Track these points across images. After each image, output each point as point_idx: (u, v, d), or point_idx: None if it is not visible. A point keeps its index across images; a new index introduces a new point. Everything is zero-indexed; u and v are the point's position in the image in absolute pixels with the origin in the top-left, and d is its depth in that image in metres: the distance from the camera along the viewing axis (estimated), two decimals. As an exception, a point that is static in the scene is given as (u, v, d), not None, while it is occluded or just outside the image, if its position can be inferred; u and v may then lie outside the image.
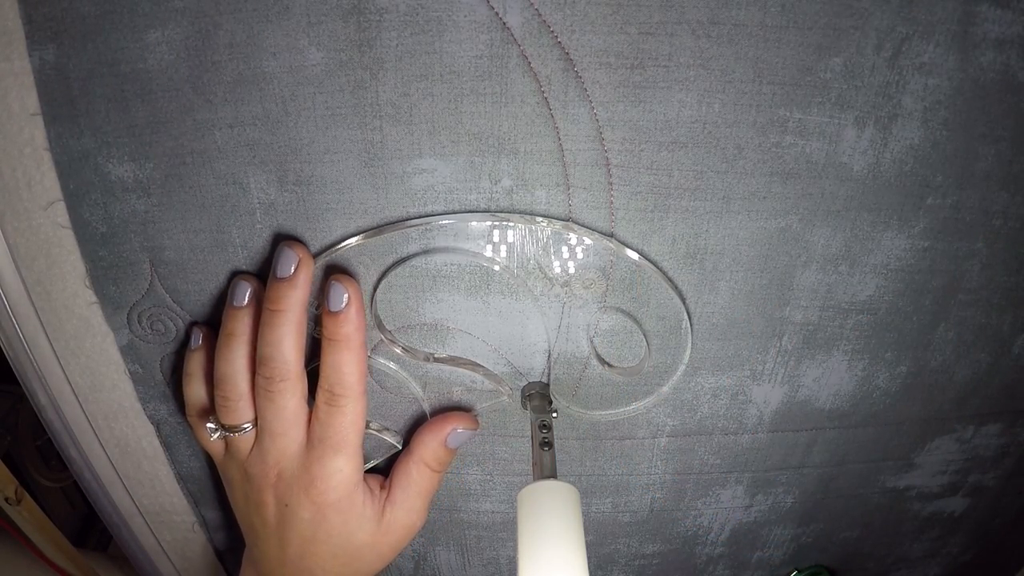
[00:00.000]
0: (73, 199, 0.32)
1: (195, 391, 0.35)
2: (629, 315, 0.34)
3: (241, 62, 0.28)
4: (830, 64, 0.28)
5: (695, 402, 0.37)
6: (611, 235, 0.31)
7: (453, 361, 0.35)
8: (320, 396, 0.33)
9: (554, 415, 0.36)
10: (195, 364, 0.34)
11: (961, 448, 0.40)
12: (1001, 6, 0.27)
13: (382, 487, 0.37)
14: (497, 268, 0.32)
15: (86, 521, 0.76)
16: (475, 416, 0.37)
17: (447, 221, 0.31)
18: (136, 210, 0.32)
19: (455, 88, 0.28)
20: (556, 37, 0.27)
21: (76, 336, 0.36)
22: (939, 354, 0.36)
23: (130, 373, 0.37)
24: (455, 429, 0.36)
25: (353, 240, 0.32)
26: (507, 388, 0.36)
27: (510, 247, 0.32)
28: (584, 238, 0.32)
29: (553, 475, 0.32)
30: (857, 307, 0.34)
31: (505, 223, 0.31)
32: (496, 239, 0.32)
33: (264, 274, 0.33)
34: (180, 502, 0.43)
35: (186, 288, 0.34)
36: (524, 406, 0.37)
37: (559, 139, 0.29)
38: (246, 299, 0.32)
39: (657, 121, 0.29)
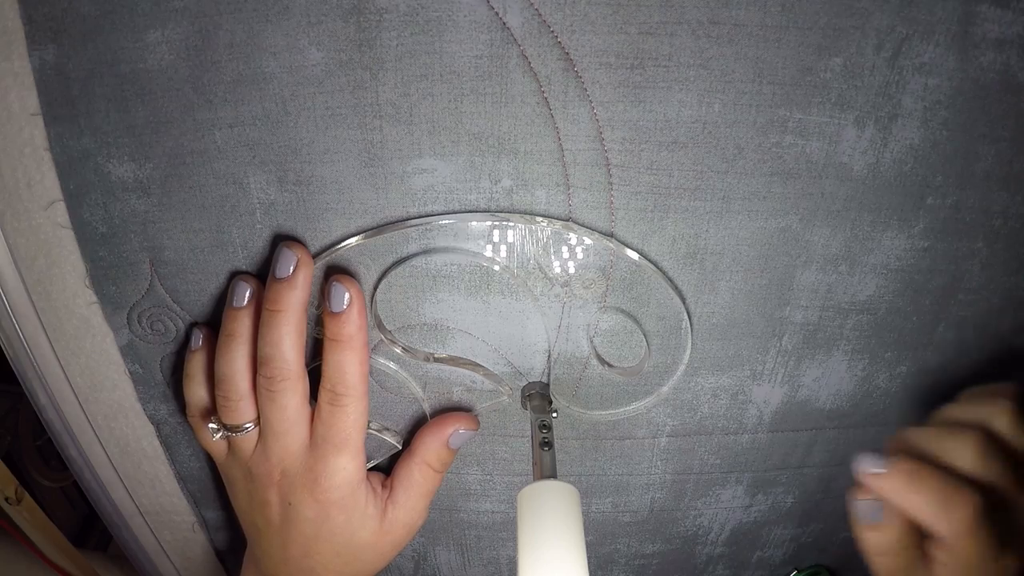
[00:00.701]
0: (73, 199, 0.32)
1: (196, 392, 0.35)
2: (629, 315, 0.34)
3: (241, 62, 0.28)
4: (830, 64, 0.28)
5: (695, 402, 0.37)
6: (611, 235, 0.31)
7: (453, 361, 0.35)
8: (322, 396, 0.33)
9: (554, 415, 0.36)
10: (195, 365, 0.34)
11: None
12: (1001, 6, 0.27)
13: (384, 486, 0.37)
14: (497, 268, 0.32)
15: (86, 521, 0.76)
16: (475, 416, 0.37)
17: (447, 221, 0.31)
18: (136, 210, 0.32)
19: (455, 88, 0.28)
20: (556, 37, 0.27)
21: (76, 336, 0.36)
22: (939, 354, 0.36)
23: (130, 373, 0.37)
24: (456, 430, 0.36)
25: (353, 240, 0.32)
26: (507, 388, 0.36)
27: (510, 247, 0.32)
28: (584, 238, 0.32)
29: (553, 475, 0.32)
30: (857, 307, 0.34)
31: (505, 223, 0.31)
32: (496, 239, 0.32)
33: (264, 274, 0.33)
34: (180, 502, 0.43)
35: (186, 288, 0.34)
36: (524, 406, 0.37)
37: (559, 139, 0.29)
38: (245, 300, 0.32)
39: (657, 121, 0.29)
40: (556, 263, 0.32)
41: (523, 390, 0.37)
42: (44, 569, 0.50)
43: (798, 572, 0.46)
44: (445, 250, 0.32)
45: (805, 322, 0.34)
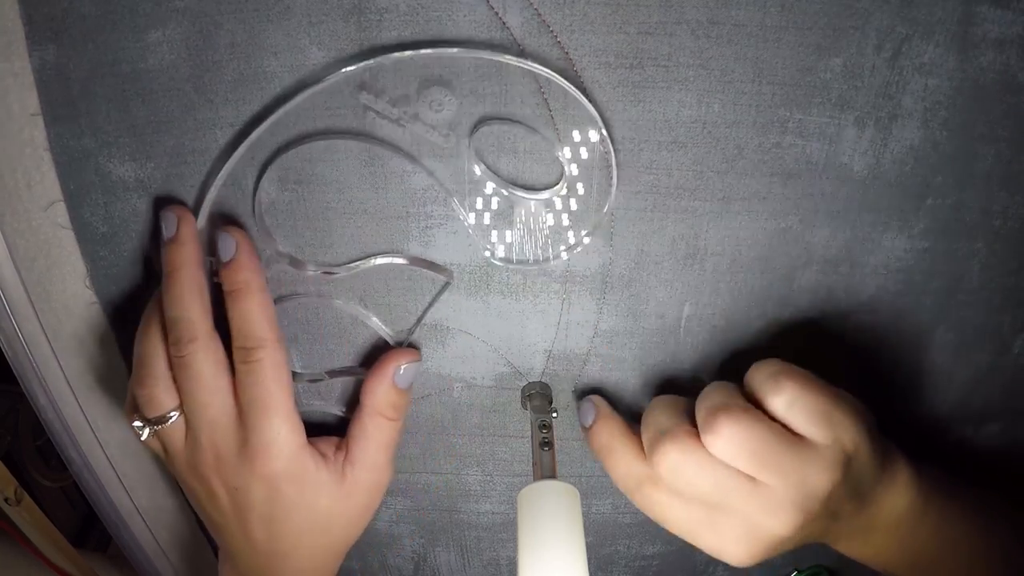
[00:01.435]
0: (73, 199, 0.32)
1: (128, 393, 0.34)
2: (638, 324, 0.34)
3: (242, 62, 0.28)
4: (830, 64, 0.28)
5: (695, 402, 0.37)
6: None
7: (348, 271, 0.33)
8: (236, 357, 0.31)
9: (554, 415, 0.36)
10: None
11: (961, 448, 0.40)
12: (1001, 6, 0.27)
13: (338, 448, 0.35)
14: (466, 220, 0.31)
15: (86, 521, 0.76)
16: (417, 348, 0.35)
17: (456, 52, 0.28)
18: (137, 210, 0.32)
19: (455, 88, 0.28)
20: (556, 37, 0.28)
21: (76, 336, 0.36)
22: (939, 354, 0.36)
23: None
24: (399, 367, 0.34)
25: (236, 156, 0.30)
26: (447, 272, 0.33)
27: (509, 247, 0.32)
28: (584, 238, 0.32)
29: (553, 475, 0.32)
30: (857, 307, 0.34)
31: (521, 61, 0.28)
32: (495, 239, 0.32)
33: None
34: (180, 502, 0.43)
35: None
36: (524, 406, 0.37)
37: (559, 139, 0.29)
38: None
39: (657, 121, 0.29)
40: (556, 262, 0.32)
41: (523, 390, 0.37)
42: (44, 569, 0.49)
43: (798, 572, 0.46)
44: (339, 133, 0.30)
45: (805, 322, 0.34)
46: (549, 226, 0.31)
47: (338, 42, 0.28)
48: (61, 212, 0.32)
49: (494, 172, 0.30)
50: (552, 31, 0.27)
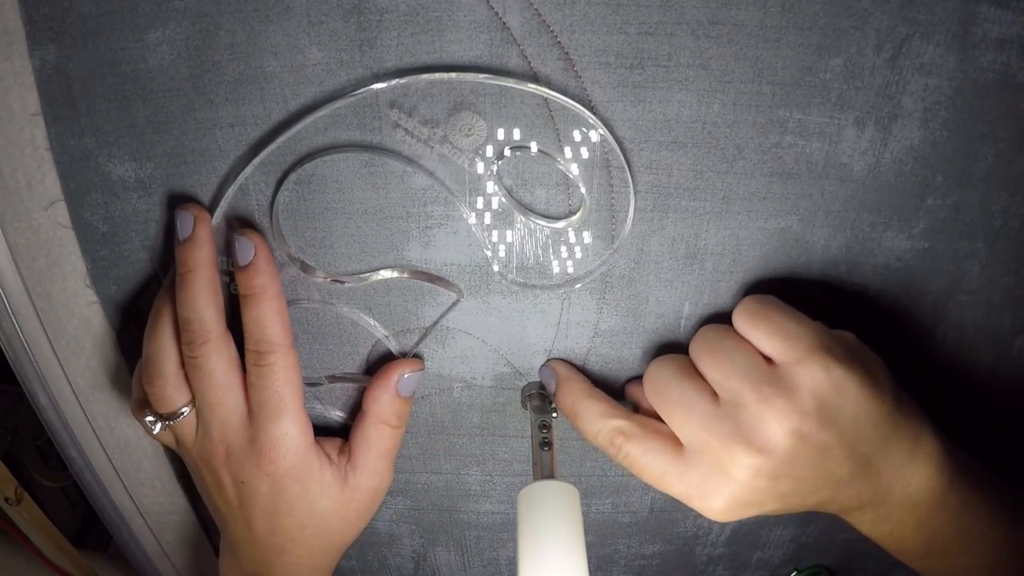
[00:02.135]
0: (74, 199, 0.32)
1: (136, 389, 0.34)
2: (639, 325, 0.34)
3: (242, 62, 0.28)
4: (830, 64, 0.28)
5: (695, 402, 0.37)
6: (590, 106, 0.29)
7: (352, 279, 0.33)
8: (248, 359, 0.32)
9: (554, 415, 0.36)
10: (137, 365, 0.34)
11: (961, 447, 0.40)
12: (1001, 6, 0.27)
13: (342, 451, 0.36)
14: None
15: (86, 521, 0.76)
16: (420, 358, 0.36)
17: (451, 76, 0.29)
18: (137, 209, 0.32)
19: (455, 88, 0.28)
20: (556, 37, 0.28)
21: (76, 336, 0.36)
22: (939, 354, 0.36)
23: (131, 373, 0.37)
24: (402, 375, 0.35)
25: (249, 169, 0.30)
26: (457, 289, 0.34)
27: (509, 247, 0.32)
28: (584, 238, 0.32)
29: (553, 475, 0.32)
30: (857, 307, 0.34)
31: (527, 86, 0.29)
32: (496, 238, 0.32)
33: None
34: (180, 502, 0.43)
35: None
36: (524, 406, 0.37)
37: (559, 139, 0.30)
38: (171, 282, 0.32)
39: (657, 121, 0.29)
40: (555, 262, 0.32)
41: (523, 390, 0.37)
42: (44, 569, 0.50)
43: (798, 572, 0.46)
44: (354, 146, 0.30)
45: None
46: (550, 227, 0.31)
47: (338, 42, 0.28)
48: (61, 212, 0.32)
49: (517, 200, 0.31)
50: (552, 31, 0.27)
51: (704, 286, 0.33)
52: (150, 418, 0.33)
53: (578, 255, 0.32)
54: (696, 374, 0.31)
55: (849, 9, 0.27)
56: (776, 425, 0.28)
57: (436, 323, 0.35)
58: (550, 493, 0.31)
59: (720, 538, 0.43)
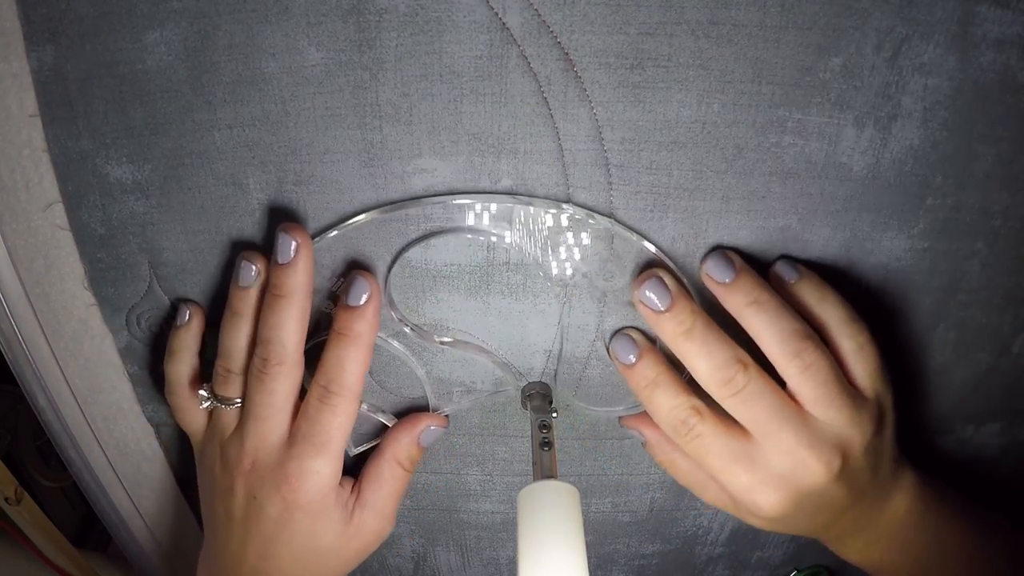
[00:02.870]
0: (72, 201, 0.32)
1: (179, 368, 0.34)
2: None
3: (240, 63, 0.28)
4: (830, 64, 0.28)
5: (695, 402, 0.37)
6: (610, 215, 0.31)
7: (458, 345, 0.35)
8: (313, 391, 0.32)
9: (554, 415, 0.36)
10: (181, 341, 0.34)
11: (961, 448, 0.40)
12: (1001, 6, 0.27)
13: (352, 490, 0.36)
14: (508, 240, 0.32)
15: (86, 521, 0.76)
16: (445, 415, 0.37)
17: (463, 200, 0.31)
18: (135, 211, 0.32)
19: (455, 88, 0.28)
20: (556, 37, 0.27)
21: (75, 338, 0.35)
22: (939, 354, 0.36)
23: (129, 375, 0.37)
24: (428, 426, 0.36)
25: (359, 217, 0.31)
26: (512, 379, 0.36)
27: (509, 245, 0.32)
28: (584, 239, 0.32)
29: (553, 475, 0.32)
30: (857, 307, 0.34)
31: (517, 204, 0.31)
32: (496, 238, 0.32)
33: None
34: (179, 504, 0.43)
35: (185, 289, 0.34)
36: (524, 406, 0.37)
37: (559, 139, 0.29)
38: (252, 279, 0.31)
39: (657, 121, 0.29)
40: (555, 263, 0.32)
41: (523, 390, 0.37)
42: (44, 569, 0.50)
43: (798, 572, 0.46)
44: (456, 229, 0.32)
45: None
46: (548, 226, 0.31)
47: (337, 43, 0.28)
48: (59, 213, 0.32)
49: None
50: (552, 31, 0.27)
51: (704, 286, 0.33)
52: (204, 393, 0.34)
53: (577, 256, 0.32)
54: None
55: (849, 9, 0.27)
56: (854, 442, 0.30)
57: (478, 399, 0.36)
58: (550, 493, 0.31)
59: (720, 538, 0.43)
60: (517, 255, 0.32)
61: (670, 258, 0.32)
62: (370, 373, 0.36)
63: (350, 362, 0.32)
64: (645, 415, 0.35)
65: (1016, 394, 0.37)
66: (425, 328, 0.34)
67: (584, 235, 0.32)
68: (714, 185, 0.30)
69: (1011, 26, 0.27)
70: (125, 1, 0.27)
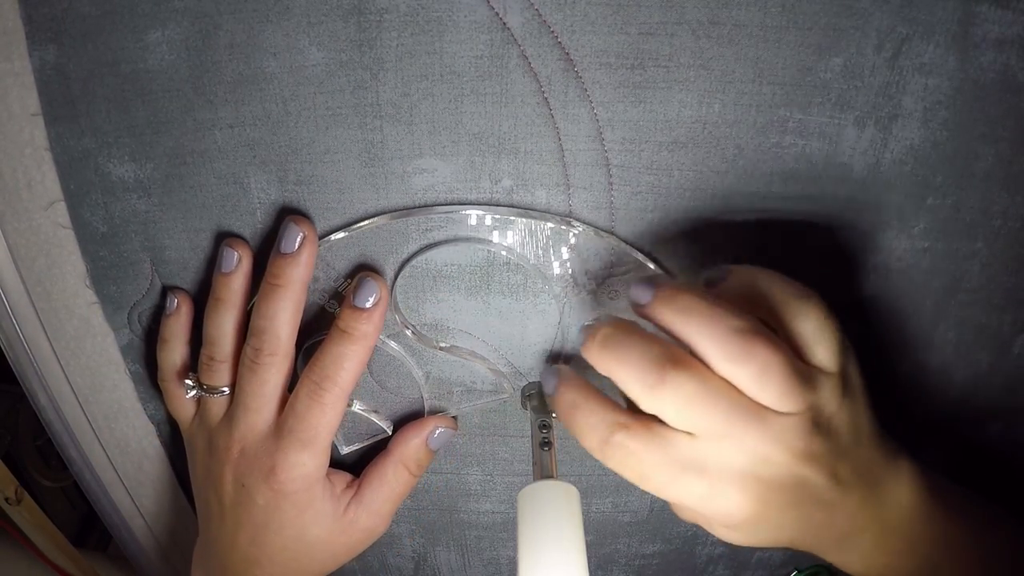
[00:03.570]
0: (74, 199, 0.32)
1: (169, 356, 0.34)
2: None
3: (241, 62, 0.28)
4: (830, 64, 0.28)
5: (695, 402, 0.37)
6: (612, 232, 0.31)
7: (457, 352, 0.35)
8: (304, 385, 0.32)
9: (554, 415, 0.36)
10: (170, 329, 0.34)
11: (962, 448, 0.40)
12: (1001, 6, 0.27)
13: (349, 486, 0.36)
14: (504, 253, 0.32)
15: (86, 521, 0.76)
16: (455, 418, 0.37)
17: (471, 210, 0.31)
18: (137, 210, 0.32)
19: (455, 88, 0.29)
20: (556, 37, 0.28)
21: (76, 336, 0.36)
22: (939, 354, 0.36)
23: (130, 373, 0.37)
24: (437, 428, 0.36)
25: (367, 222, 0.31)
26: (509, 384, 0.36)
27: (510, 250, 0.32)
28: (585, 238, 0.32)
29: (553, 475, 0.32)
30: (857, 307, 0.34)
31: (509, 217, 0.31)
32: (496, 239, 0.32)
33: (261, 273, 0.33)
34: (180, 503, 0.43)
35: (186, 287, 0.34)
36: (524, 406, 0.37)
37: (559, 139, 0.29)
38: (233, 265, 0.32)
39: (657, 121, 0.29)
40: (556, 264, 0.32)
41: (523, 390, 0.37)
42: (44, 569, 0.50)
43: (798, 572, 0.46)
44: (468, 240, 0.32)
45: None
46: (550, 227, 0.31)
47: (338, 43, 0.28)
48: (61, 212, 0.32)
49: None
50: (552, 31, 0.27)
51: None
52: (189, 383, 0.33)
53: (579, 256, 0.32)
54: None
55: (849, 9, 0.27)
56: (820, 419, 0.27)
57: (477, 405, 0.36)
58: (550, 493, 0.31)
59: (720, 538, 0.43)
60: (518, 255, 0.32)
61: (669, 267, 0.32)
62: (370, 373, 0.36)
63: (348, 361, 0.32)
64: None
65: (1016, 394, 0.37)
66: (426, 331, 0.35)
67: (586, 237, 0.32)
68: (715, 185, 0.30)
69: (1011, 26, 0.27)
70: (127, 0, 0.27)
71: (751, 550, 0.45)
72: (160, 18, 0.28)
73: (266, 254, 0.32)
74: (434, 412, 0.37)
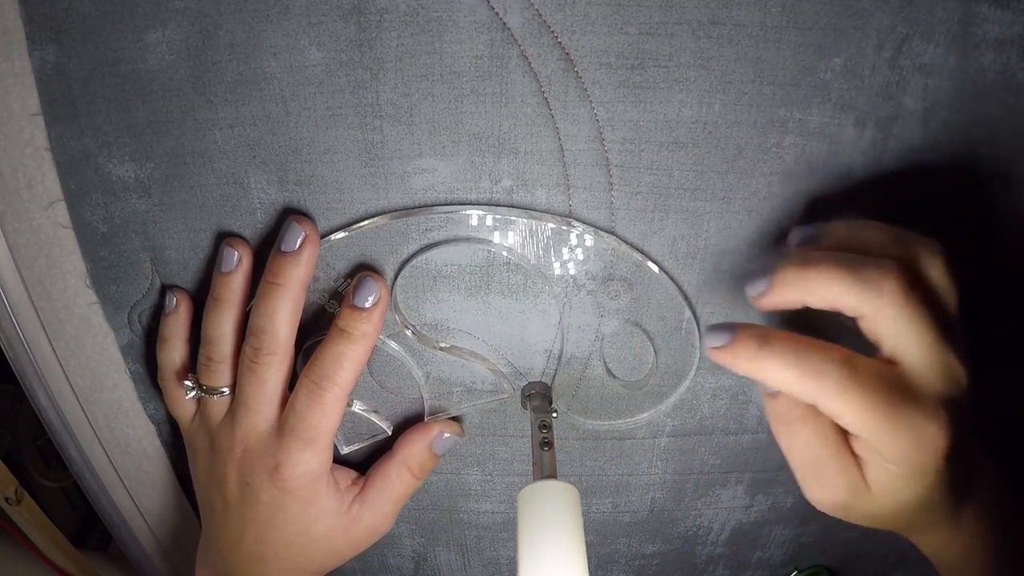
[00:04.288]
0: (74, 199, 0.32)
1: (169, 355, 0.34)
2: (640, 327, 0.34)
3: (241, 62, 0.28)
4: (830, 64, 0.28)
5: (695, 402, 0.37)
6: (612, 232, 0.31)
7: (457, 352, 0.35)
8: (303, 384, 0.32)
9: (554, 415, 0.36)
10: (170, 328, 0.34)
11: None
12: (1001, 6, 0.27)
13: (354, 483, 0.36)
14: (505, 254, 0.32)
15: (86, 521, 0.76)
16: (461, 423, 0.37)
17: (471, 211, 0.31)
18: (137, 210, 0.32)
19: (455, 88, 0.29)
20: (556, 37, 0.28)
21: (77, 336, 0.36)
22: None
23: (131, 373, 0.37)
24: (442, 433, 0.36)
25: (367, 222, 0.31)
26: (509, 384, 0.36)
27: (510, 250, 0.32)
28: (585, 240, 0.32)
29: (553, 475, 0.32)
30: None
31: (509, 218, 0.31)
32: (497, 239, 0.32)
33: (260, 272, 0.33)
34: (181, 503, 0.43)
35: (187, 287, 0.34)
36: (524, 406, 0.37)
37: (559, 139, 0.29)
38: (233, 265, 0.32)
39: (657, 121, 0.29)
40: (556, 264, 0.32)
41: (523, 390, 0.37)
42: (44, 569, 0.50)
43: (798, 572, 0.46)
44: (468, 240, 0.32)
45: (806, 323, 0.34)
46: (551, 227, 0.31)
47: (338, 43, 0.28)
48: (62, 212, 0.32)
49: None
50: (552, 31, 0.27)
51: (704, 286, 0.33)
52: (189, 384, 0.33)
53: (579, 256, 0.32)
54: None
55: (849, 9, 0.27)
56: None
57: (476, 405, 0.36)
58: (550, 493, 0.31)
59: (720, 538, 0.43)
60: (518, 256, 0.32)
61: (669, 267, 0.32)
62: (370, 373, 0.36)
63: (348, 360, 0.32)
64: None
65: (1016, 394, 0.37)
66: (426, 331, 0.35)
67: (587, 238, 0.32)
68: (715, 185, 0.30)
69: (1011, 26, 0.27)
70: (127, 0, 0.27)
71: (751, 550, 0.45)
72: (160, 18, 0.28)
73: (266, 254, 0.32)
74: (434, 412, 0.37)
